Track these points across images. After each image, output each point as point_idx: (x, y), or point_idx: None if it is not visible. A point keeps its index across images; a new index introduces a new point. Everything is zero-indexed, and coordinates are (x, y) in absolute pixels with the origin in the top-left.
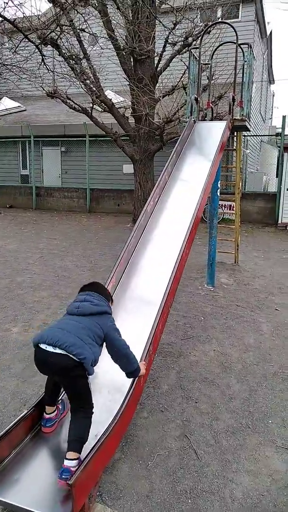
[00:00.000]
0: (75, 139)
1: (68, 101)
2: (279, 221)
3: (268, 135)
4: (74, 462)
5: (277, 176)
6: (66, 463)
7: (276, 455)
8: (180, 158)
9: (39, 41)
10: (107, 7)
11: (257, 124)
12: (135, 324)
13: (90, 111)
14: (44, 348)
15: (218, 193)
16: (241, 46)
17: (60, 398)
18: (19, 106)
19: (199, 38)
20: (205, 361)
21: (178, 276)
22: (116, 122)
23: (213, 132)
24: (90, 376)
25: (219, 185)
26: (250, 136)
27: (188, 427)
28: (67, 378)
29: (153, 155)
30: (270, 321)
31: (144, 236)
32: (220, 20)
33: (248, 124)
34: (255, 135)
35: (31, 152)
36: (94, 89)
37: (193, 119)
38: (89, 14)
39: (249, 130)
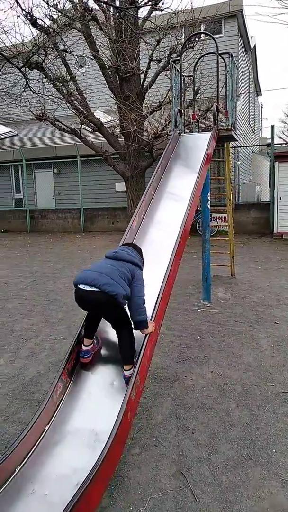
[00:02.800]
0: (66, 160)
1: (56, 123)
2: (275, 231)
3: (259, 145)
4: (131, 371)
5: (270, 186)
6: (126, 373)
7: (281, 491)
8: (166, 171)
9: (22, 65)
10: (91, 29)
11: (246, 135)
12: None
13: (79, 132)
14: (83, 287)
15: (209, 206)
16: (223, 56)
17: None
18: (10, 131)
19: (183, 52)
20: (202, 385)
21: (166, 295)
22: (105, 141)
23: (199, 144)
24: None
25: (208, 197)
26: (240, 147)
27: (184, 463)
28: (106, 309)
29: (144, 171)
30: (269, 336)
31: None
32: (202, 35)
33: (234, 134)
34: (245, 146)
35: (23, 176)
36: (82, 109)
37: (177, 131)
38: (77, 37)
39: (236, 140)
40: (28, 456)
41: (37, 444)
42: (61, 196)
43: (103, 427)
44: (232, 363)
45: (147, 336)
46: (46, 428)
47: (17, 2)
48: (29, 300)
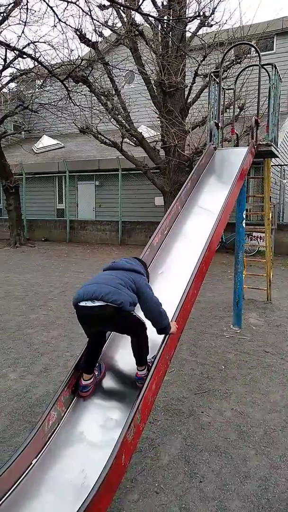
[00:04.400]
0: (108, 173)
1: (99, 136)
2: None
3: None
4: (144, 371)
5: None
6: (139, 373)
7: None
8: (199, 186)
9: (65, 77)
10: (137, 44)
11: None
12: (123, 382)
13: (120, 145)
14: (84, 304)
15: (244, 224)
16: (266, 68)
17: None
18: (58, 143)
19: (229, 68)
20: (220, 424)
21: (181, 323)
22: (147, 155)
23: (235, 159)
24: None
25: (244, 216)
26: (286, 165)
27: None
28: (114, 323)
29: None
30: None
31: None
32: (251, 52)
33: (275, 149)
34: None
35: (66, 187)
36: (125, 123)
37: (213, 145)
38: (124, 52)
39: (277, 157)
40: (5, 495)
41: (18, 481)
42: (101, 208)
43: (94, 469)
44: (256, 401)
45: (152, 373)
46: (33, 462)
47: (59, 19)
48: (53, 312)
